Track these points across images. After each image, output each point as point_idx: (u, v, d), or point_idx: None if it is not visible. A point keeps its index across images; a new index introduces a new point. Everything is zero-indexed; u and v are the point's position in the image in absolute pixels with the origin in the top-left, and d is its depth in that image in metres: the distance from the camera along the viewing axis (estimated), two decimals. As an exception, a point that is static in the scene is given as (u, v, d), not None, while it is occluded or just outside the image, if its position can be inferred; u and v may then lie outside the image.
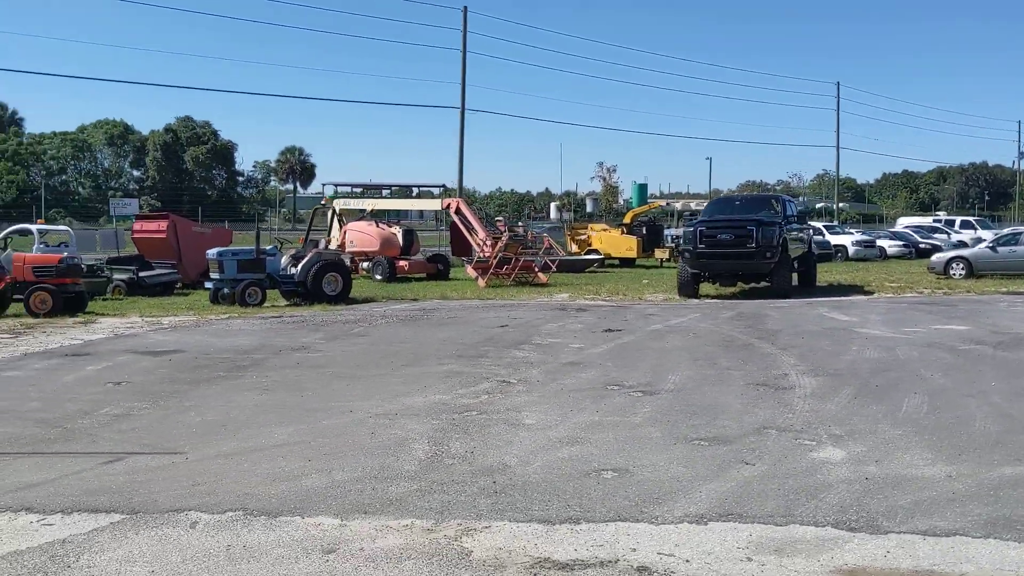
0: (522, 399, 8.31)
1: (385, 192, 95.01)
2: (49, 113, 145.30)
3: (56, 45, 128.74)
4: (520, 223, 36.53)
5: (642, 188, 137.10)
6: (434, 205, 28.97)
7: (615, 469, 5.96)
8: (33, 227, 20.25)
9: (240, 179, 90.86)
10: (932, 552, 4.48)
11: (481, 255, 25.40)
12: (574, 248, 36.37)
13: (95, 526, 4.91)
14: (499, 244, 24.85)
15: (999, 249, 25.01)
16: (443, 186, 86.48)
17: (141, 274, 21.93)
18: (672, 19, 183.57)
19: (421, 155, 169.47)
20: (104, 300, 20.10)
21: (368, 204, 29.18)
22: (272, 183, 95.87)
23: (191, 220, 25.43)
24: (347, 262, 28.06)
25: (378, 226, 27.71)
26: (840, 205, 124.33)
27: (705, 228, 19.82)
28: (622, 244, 34.60)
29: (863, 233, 40.63)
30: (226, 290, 18.39)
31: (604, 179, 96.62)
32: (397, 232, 27.56)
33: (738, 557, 4.42)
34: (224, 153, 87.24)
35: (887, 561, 4.38)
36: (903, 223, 48.10)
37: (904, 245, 38.56)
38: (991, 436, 6.79)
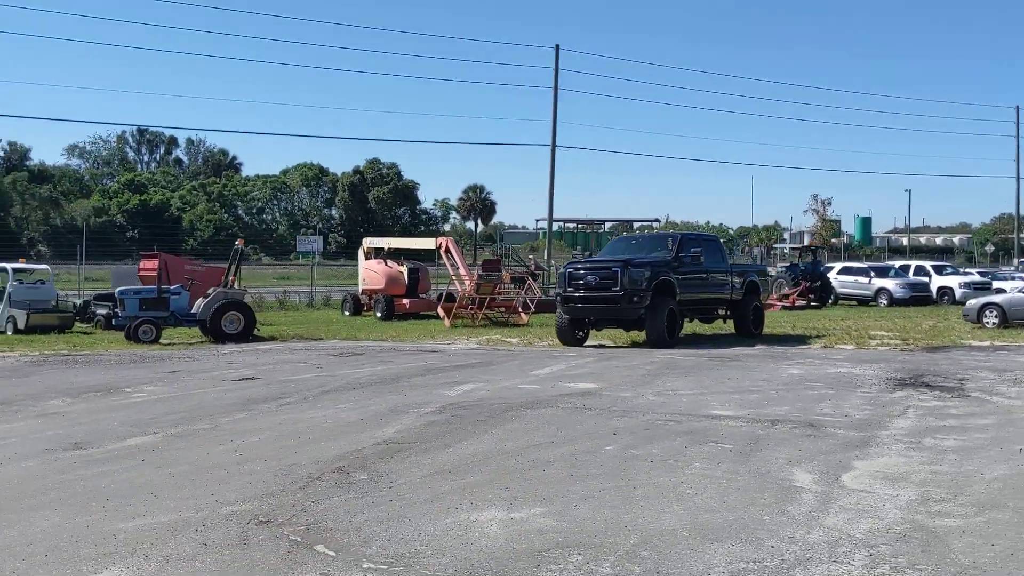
0: None
1: (608, 225, 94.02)
2: (262, 157, 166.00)
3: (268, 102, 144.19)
4: (528, 261, 35.35)
5: (865, 221, 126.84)
6: (429, 244, 28.93)
7: None
8: (8, 265, 22.36)
9: (423, 216, 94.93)
10: None
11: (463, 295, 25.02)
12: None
13: None
14: (471, 284, 24.31)
15: (1037, 294, 20.93)
16: (656, 220, 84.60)
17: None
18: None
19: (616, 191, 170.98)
20: (76, 333, 21.81)
21: (385, 243, 29.55)
22: (453, 220, 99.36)
23: (186, 259, 26.86)
24: (361, 299, 28.66)
25: (387, 264, 27.96)
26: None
27: (573, 270, 17.84)
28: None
29: (980, 274, 35.49)
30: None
31: (818, 212, 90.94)
32: (403, 271, 27.67)
33: None
34: (406, 192, 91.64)
35: None
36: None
37: (1034, 288, 33.28)
38: None
